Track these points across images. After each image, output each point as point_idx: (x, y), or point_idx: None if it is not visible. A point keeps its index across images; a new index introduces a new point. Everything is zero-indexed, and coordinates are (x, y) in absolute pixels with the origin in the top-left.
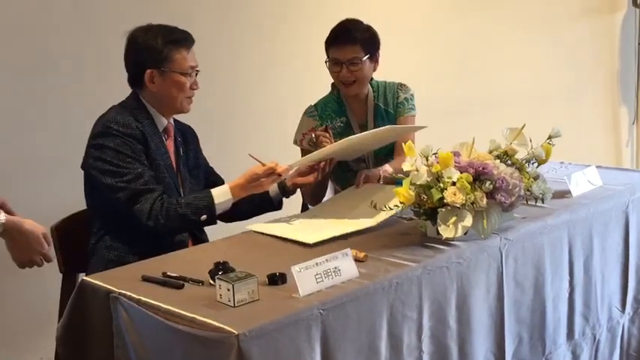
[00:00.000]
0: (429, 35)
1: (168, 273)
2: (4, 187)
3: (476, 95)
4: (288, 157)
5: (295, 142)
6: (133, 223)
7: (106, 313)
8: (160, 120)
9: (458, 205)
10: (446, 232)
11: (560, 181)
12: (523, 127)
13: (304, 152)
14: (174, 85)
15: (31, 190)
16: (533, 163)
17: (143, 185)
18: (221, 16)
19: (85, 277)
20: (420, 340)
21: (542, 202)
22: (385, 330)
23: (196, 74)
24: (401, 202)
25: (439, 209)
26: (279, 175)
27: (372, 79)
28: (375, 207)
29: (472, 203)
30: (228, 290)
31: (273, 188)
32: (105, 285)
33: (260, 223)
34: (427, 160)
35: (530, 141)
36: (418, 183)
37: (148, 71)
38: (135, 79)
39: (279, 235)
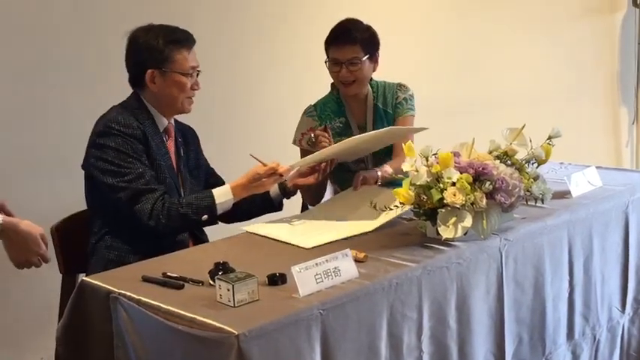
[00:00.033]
0: (429, 35)
1: (168, 273)
2: (4, 187)
3: (475, 95)
4: (289, 158)
5: (294, 142)
6: (134, 223)
7: (106, 314)
8: (160, 120)
9: (458, 206)
10: (446, 232)
11: (560, 182)
12: (523, 127)
13: (303, 152)
14: (175, 85)
15: (31, 190)
16: (533, 164)
17: (144, 185)
18: (221, 16)
19: (84, 278)
20: (419, 341)
21: (542, 203)
22: (385, 330)
23: (197, 74)
24: (401, 203)
25: (439, 210)
26: (281, 175)
27: (371, 79)
28: (375, 207)
29: (472, 204)
30: (228, 290)
31: (273, 189)
32: (105, 285)
33: (257, 225)
34: (427, 160)
35: (530, 141)
36: (418, 183)
37: (149, 71)
38: (136, 79)
39: (275, 238)
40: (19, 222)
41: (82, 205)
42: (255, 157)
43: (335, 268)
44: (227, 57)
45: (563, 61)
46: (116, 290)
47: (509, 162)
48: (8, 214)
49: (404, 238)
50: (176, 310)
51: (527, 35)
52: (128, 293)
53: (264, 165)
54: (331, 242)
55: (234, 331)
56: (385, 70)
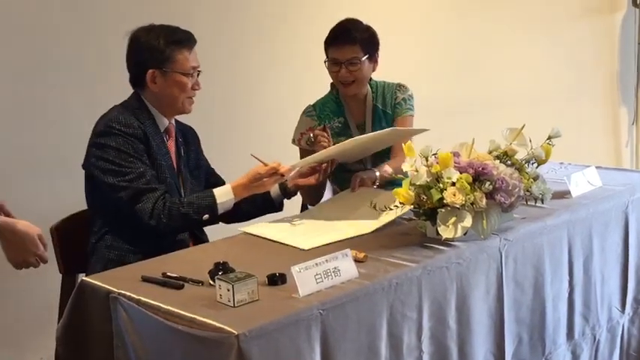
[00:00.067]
0: (429, 35)
1: (168, 273)
2: (4, 187)
3: (475, 95)
4: (289, 158)
5: (293, 142)
6: (134, 223)
7: (106, 314)
8: (161, 120)
9: (457, 206)
10: (445, 232)
11: (559, 182)
12: (523, 127)
13: (302, 151)
14: (175, 85)
15: (31, 190)
16: (532, 164)
17: (145, 184)
18: (221, 16)
19: (84, 278)
20: (419, 341)
21: (542, 203)
22: (385, 330)
23: (198, 74)
24: (401, 203)
25: (439, 210)
26: (282, 175)
27: (371, 79)
28: (375, 207)
29: (472, 204)
30: (228, 290)
31: (274, 189)
32: (104, 285)
33: (254, 225)
34: (427, 160)
35: (530, 141)
36: (418, 183)
37: (150, 71)
38: (137, 79)
39: (272, 239)
40: (16, 222)
41: (82, 205)
42: (256, 157)
43: (335, 268)
44: (227, 57)
45: (563, 61)
46: (116, 290)
47: (509, 162)
48: (7, 214)
49: (404, 238)
50: (176, 310)
51: (527, 35)
52: (128, 293)
53: (265, 165)
54: (329, 244)
55: (234, 331)
56: (385, 70)
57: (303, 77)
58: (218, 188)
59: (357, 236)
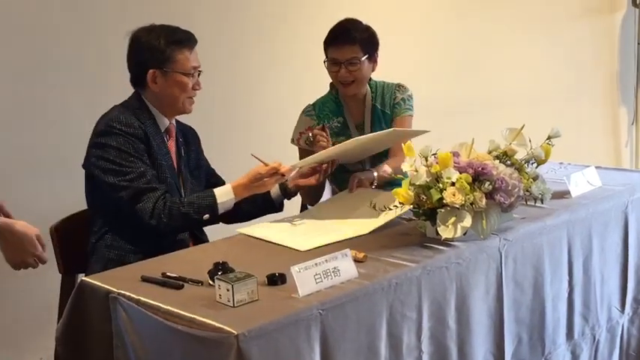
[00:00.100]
0: (428, 35)
1: (168, 273)
2: (4, 187)
3: (475, 95)
4: (289, 158)
5: (292, 141)
6: (135, 222)
7: (106, 314)
8: (161, 120)
9: (457, 206)
10: (445, 232)
11: (559, 182)
12: (522, 127)
13: (301, 151)
14: (176, 85)
15: (31, 190)
16: (532, 164)
17: (146, 184)
18: (221, 16)
19: (84, 278)
20: (419, 341)
21: (542, 203)
22: (385, 330)
23: (199, 74)
24: (400, 203)
25: (438, 210)
26: (283, 175)
27: (370, 79)
28: (374, 207)
29: (471, 204)
30: (228, 290)
31: (274, 190)
32: (104, 285)
33: (251, 227)
34: (426, 160)
35: (530, 141)
36: (417, 183)
37: (151, 71)
38: (137, 79)
39: (269, 240)
40: (14, 223)
41: (82, 205)
42: (256, 157)
43: (334, 268)
44: (227, 57)
45: (563, 61)
46: (115, 290)
47: (508, 162)
48: (7, 215)
49: (403, 238)
50: (175, 310)
51: (526, 35)
52: (127, 293)
53: (266, 165)
54: (327, 245)
55: (233, 331)
56: (384, 70)
57: (303, 77)
58: (218, 188)
59: (356, 237)
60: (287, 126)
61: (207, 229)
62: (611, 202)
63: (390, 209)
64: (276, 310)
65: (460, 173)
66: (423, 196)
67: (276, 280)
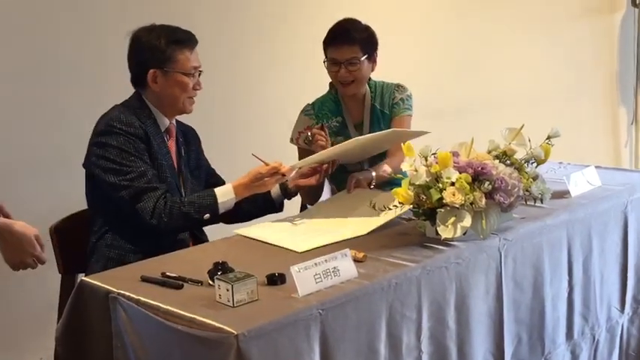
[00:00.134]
0: (428, 35)
1: (168, 273)
2: (4, 187)
3: (475, 95)
4: (289, 157)
5: (292, 140)
6: (135, 222)
7: (105, 314)
8: (162, 120)
9: (457, 206)
10: (445, 232)
11: (559, 182)
12: (522, 127)
13: (301, 150)
14: (177, 85)
15: (31, 190)
16: (532, 164)
17: (146, 183)
18: (221, 16)
19: (84, 278)
20: (419, 341)
21: (541, 203)
22: (384, 330)
23: (199, 75)
24: (400, 203)
25: (438, 209)
26: (283, 175)
27: (370, 79)
28: (374, 207)
29: (471, 203)
30: (228, 290)
31: (274, 190)
32: (104, 285)
33: (248, 228)
34: (426, 160)
35: (529, 141)
36: (417, 183)
37: (151, 71)
38: (138, 79)
39: (265, 241)
40: (13, 223)
41: (82, 205)
42: (257, 157)
43: (334, 268)
44: (227, 57)
45: (563, 61)
46: (115, 290)
47: (508, 162)
48: (6, 215)
49: (403, 238)
50: (175, 310)
51: (526, 35)
52: (127, 293)
53: (267, 164)
54: (324, 246)
55: (233, 331)
56: (384, 70)
57: (303, 77)
58: (219, 188)
59: (353, 238)
60: (287, 126)
61: (207, 229)
62: (610, 201)
63: (390, 209)
64: (276, 310)
65: (460, 173)
66: (423, 196)
67: (276, 280)
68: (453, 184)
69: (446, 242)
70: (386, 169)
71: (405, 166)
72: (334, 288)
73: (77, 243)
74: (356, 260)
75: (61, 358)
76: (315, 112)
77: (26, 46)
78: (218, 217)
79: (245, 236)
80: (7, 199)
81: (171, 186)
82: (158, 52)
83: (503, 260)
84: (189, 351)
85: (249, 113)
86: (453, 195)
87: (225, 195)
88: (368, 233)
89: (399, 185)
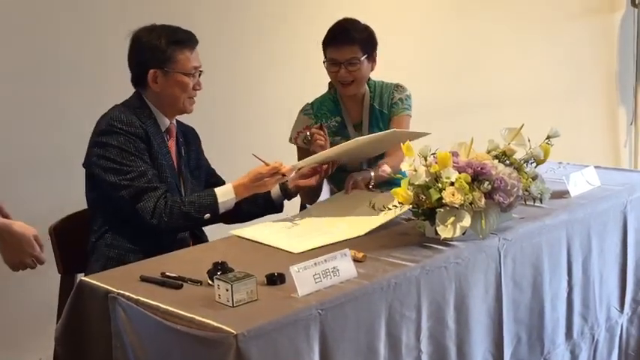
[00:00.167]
0: (428, 35)
1: (167, 273)
2: (4, 187)
3: (474, 95)
4: (289, 158)
5: (291, 140)
6: (135, 221)
7: (105, 314)
8: (162, 120)
9: (456, 206)
10: (444, 232)
11: (558, 182)
12: (521, 127)
13: (300, 150)
14: (177, 85)
15: (30, 190)
16: (531, 163)
17: (147, 183)
18: (221, 16)
19: (83, 278)
20: (418, 341)
21: (541, 203)
22: (384, 330)
23: (199, 75)
24: (399, 203)
25: (437, 209)
26: (283, 175)
27: (369, 79)
28: (373, 207)
29: (470, 203)
30: (227, 290)
31: (274, 190)
32: (103, 285)
33: (245, 229)
34: (425, 160)
35: (529, 141)
36: (417, 183)
37: (152, 71)
38: (138, 78)
39: (263, 242)
40: (12, 223)
41: (81, 205)
42: (257, 157)
43: (334, 268)
44: (227, 57)
45: (562, 61)
46: (115, 290)
47: (507, 162)
48: (6, 216)
49: (402, 238)
50: (175, 310)
51: (526, 35)
52: (127, 293)
53: (267, 164)
54: (320, 247)
55: (232, 331)
56: (384, 70)
57: (303, 77)
58: (219, 187)
59: (352, 239)
60: (287, 126)
61: (207, 229)
62: (610, 201)
63: (389, 209)
64: (276, 310)
65: (459, 173)
66: (422, 196)
67: (276, 279)
68: (452, 184)
69: (445, 242)
70: (385, 168)
71: (404, 166)
72: (334, 288)
73: (76, 243)
74: (355, 260)
75: (60, 358)
76: (314, 111)
77: (26, 46)
78: (218, 217)
79: (241, 237)
80: (6, 199)
81: (171, 186)
82: (158, 52)
83: (503, 260)
84: (188, 351)
85: (249, 113)
86: (453, 195)
87: (225, 195)
88: (367, 233)
89: (398, 185)
